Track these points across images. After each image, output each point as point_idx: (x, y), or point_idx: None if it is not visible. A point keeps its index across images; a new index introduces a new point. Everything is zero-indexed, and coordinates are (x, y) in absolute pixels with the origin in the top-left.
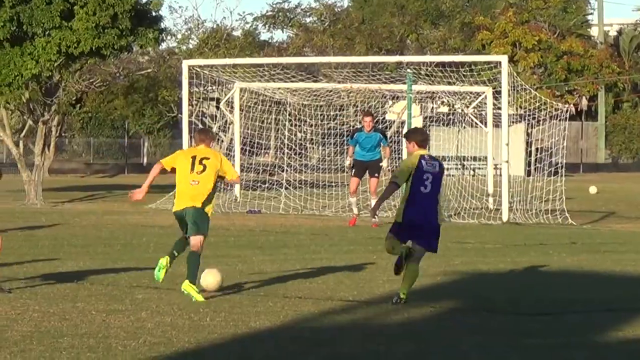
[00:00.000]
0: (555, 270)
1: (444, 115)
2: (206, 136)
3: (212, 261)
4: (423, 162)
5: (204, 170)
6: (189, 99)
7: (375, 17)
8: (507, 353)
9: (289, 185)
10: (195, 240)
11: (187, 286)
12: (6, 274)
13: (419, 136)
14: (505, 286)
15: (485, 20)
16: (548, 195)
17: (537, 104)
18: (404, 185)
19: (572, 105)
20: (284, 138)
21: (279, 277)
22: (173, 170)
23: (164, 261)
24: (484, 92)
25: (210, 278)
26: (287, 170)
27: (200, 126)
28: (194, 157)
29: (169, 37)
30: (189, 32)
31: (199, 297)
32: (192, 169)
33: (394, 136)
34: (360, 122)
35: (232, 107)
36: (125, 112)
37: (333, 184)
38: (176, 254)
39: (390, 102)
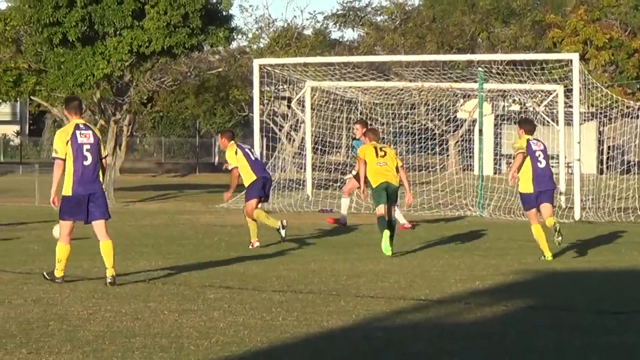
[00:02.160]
0: (629, 269)
1: (515, 114)
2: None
3: (284, 260)
4: (531, 143)
5: None
6: (260, 98)
7: (446, 15)
8: (583, 351)
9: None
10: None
11: None
12: (78, 274)
13: (527, 125)
14: (579, 284)
15: (556, 18)
16: (620, 193)
17: (609, 102)
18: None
19: None
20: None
21: (351, 276)
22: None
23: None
24: (555, 91)
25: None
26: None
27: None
28: None
29: (239, 36)
30: (259, 31)
31: None
32: None
33: (465, 135)
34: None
35: (303, 106)
36: (196, 111)
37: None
38: None
39: (462, 101)
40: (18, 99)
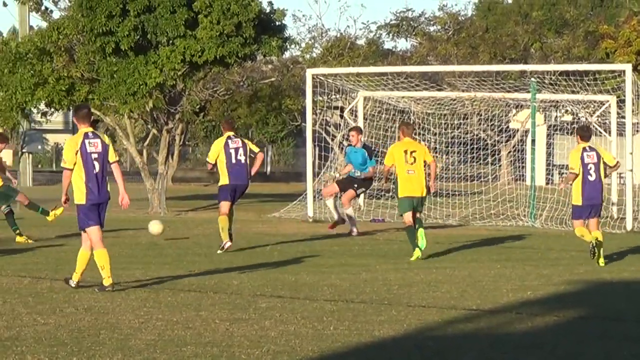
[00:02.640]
0: None
1: (567, 124)
2: None
3: (336, 269)
4: (584, 154)
5: None
6: (313, 108)
7: (499, 25)
8: None
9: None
10: None
11: None
12: (130, 282)
13: (582, 131)
14: (630, 295)
15: (609, 28)
16: None
17: None
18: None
19: None
20: None
21: (402, 285)
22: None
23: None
24: (607, 101)
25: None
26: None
27: (324, 135)
28: None
29: (292, 46)
30: (312, 40)
31: None
32: None
33: (518, 145)
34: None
35: (355, 116)
36: (248, 120)
37: (457, 193)
38: None
39: (514, 111)
40: (71, 107)
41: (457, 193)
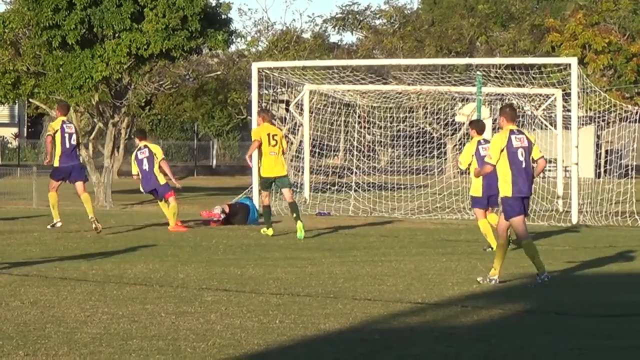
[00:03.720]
0: (625, 272)
1: None
2: None
3: (282, 263)
4: (480, 148)
5: None
6: (259, 101)
7: (445, 19)
8: (578, 355)
9: (358, 188)
10: None
11: None
12: (76, 276)
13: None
14: (575, 288)
15: (555, 22)
16: (618, 197)
17: (607, 106)
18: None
19: None
20: (354, 140)
21: (348, 279)
22: None
23: None
24: (553, 94)
25: None
26: (356, 173)
27: None
28: None
29: (238, 40)
30: (258, 34)
31: None
32: None
33: (463, 138)
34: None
35: (301, 109)
36: (194, 114)
37: (402, 187)
38: None
39: (460, 104)
40: (16, 101)
41: (402, 186)
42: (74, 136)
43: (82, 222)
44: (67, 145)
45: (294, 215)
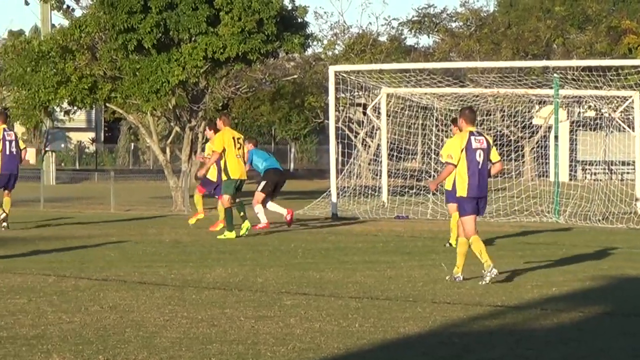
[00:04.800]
0: None
1: (591, 120)
2: None
3: (361, 266)
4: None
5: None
6: (336, 105)
7: (522, 21)
8: None
9: (437, 191)
10: None
11: None
12: (155, 280)
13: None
14: None
15: (632, 24)
16: None
17: None
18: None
19: None
20: (431, 143)
21: (427, 282)
22: None
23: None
24: (631, 96)
25: None
26: (434, 176)
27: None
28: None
29: (314, 43)
30: (334, 37)
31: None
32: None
33: (541, 141)
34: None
35: (378, 113)
36: (271, 118)
37: None
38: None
39: (537, 107)
40: (93, 106)
41: None
42: (14, 143)
43: (161, 226)
44: (8, 152)
45: (242, 214)
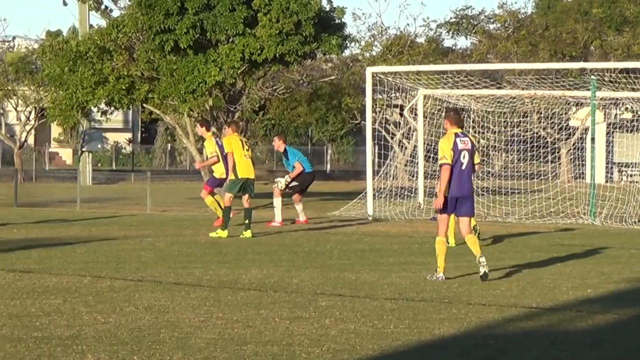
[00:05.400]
0: None
1: (627, 122)
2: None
3: (396, 268)
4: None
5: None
6: (373, 106)
7: (559, 23)
8: None
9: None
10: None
11: None
12: (190, 281)
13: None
14: None
15: None
16: None
17: None
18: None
19: None
20: None
21: (462, 284)
22: None
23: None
24: None
25: None
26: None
27: (384, 133)
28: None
29: (352, 44)
30: (372, 38)
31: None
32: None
33: (578, 143)
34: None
35: (415, 114)
36: (308, 119)
37: (516, 191)
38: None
39: (574, 109)
40: (130, 106)
41: (516, 191)
42: None
43: (197, 227)
44: None
45: (247, 221)
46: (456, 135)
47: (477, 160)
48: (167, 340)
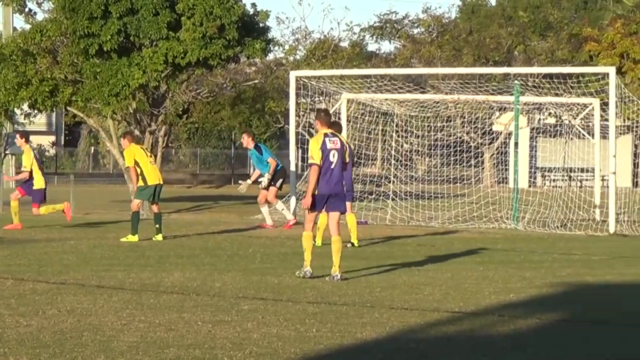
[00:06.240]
0: None
1: (551, 127)
2: None
3: (318, 272)
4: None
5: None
6: (296, 110)
7: (483, 28)
8: None
9: (396, 197)
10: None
11: None
12: (113, 284)
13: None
14: (613, 298)
15: (593, 31)
16: None
17: None
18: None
19: None
20: (391, 149)
21: (385, 288)
22: None
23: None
24: (591, 104)
25: None
26: (393, 182)
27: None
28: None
29: (276, 48)
30: (296, 42)
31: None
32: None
33: (501, 147)
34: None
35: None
36: (232, 122)
37: (439, 195)
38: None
39: (498, 114)
40: (54, 109)
41: (439, 195)
42: None
43: (120, 230)
44: None
45: (157, 225)
46: (325, 135)
47: (347, 159)
48: (90, 343)
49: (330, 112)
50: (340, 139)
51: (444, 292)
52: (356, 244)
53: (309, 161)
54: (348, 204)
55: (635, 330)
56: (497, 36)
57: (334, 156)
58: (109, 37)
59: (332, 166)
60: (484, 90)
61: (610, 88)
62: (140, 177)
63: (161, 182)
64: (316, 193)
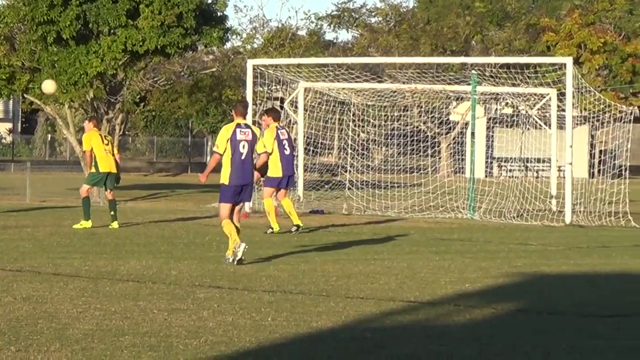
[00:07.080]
0: (618, 272)
1: (508, 117)
2: None
3: (275, 260)
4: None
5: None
6: (254, 99)
7: (441, 17)
8: (570, 355)
9: (352, 186)
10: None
11: None
12: (69, 272)
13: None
14: (568, 288)
15: (551, 21)
16: (611, 197)
17: (602, 106)
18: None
19: (636, 107)
20: (348, 138)
21: (340, 277)
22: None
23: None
24: (548, 94)
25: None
26: (350, 171)
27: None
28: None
29: (233, 37)
30: (253, 31)
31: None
32: None
33: (458, 137)
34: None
35: (296, 107)
36: (189, 111)
37: (396, 185)
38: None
39: (455, 103)
40: (11, 96)
41: (396, 185)
42: None
43: (76, 218)
44: None
45: (112, 212)
46: (238, 125)
47: (260, 149)
48: (45, 331)
49: (287, 100)
50: (252, 130)
51: (399, 281)
52: (301, 225)
53: (213, 148)
54: (283, 191)
55: (590, 321)
56: (455, 26)
57: (244, 147)
58: (68, 24)
59: (243, 157)
60: (441, 80)
61: (568, 78)
62: (93, 164)
63: (115, 171)
64: (227, 184)
